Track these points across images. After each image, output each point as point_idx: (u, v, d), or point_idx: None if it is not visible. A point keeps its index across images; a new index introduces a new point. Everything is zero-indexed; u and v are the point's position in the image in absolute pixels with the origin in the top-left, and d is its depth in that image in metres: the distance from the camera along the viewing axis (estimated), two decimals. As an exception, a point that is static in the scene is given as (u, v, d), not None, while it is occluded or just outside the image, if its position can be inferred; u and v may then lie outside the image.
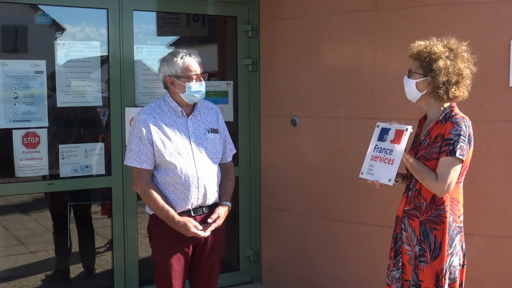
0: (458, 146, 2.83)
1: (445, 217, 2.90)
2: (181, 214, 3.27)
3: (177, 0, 4.62)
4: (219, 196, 3.42)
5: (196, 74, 3.31)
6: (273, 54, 4.82)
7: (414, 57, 3.01)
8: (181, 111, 3.33)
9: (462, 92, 2.96)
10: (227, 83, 4.94)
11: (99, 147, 4.49)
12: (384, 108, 4.15)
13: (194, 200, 3.29)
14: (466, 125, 2.88)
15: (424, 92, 2.97)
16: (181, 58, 3.30)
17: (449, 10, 3.90)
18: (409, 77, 3.04)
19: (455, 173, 2.86)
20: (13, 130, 4.16)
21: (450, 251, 2.92)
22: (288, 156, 4.77)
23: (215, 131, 3.43)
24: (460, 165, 2.88)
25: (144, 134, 3.24)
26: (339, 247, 4.50)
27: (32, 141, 4.21)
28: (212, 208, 3.38)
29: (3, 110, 4.11)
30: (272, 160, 4.90)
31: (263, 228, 5.04)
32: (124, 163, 3.35)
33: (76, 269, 5.04)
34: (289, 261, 4.85)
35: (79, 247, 5.02)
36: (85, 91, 4.42)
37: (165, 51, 4.95)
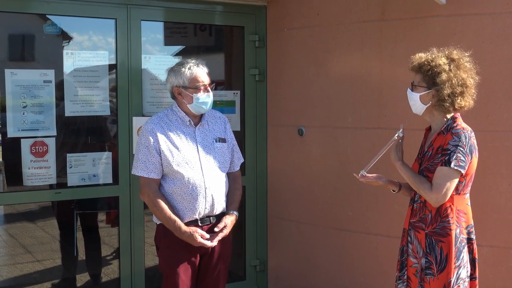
0: (454, 157, 2.82)
1: (451, 229, 2.88)
2: (188, 224, 3.27)
3: (184, 11, 4.65)
4: (226, 205, 3.42)
5: (204, 85, 3.32)
6: (280, 64, 4.83)
7: (416, 70, 3.00)
8: (189, 120, 3.34)
9: (467, 101, 2.95)
10: (234, 93, 4.95)
11: (106, 156, 4.50)
12: (391, 118, 4.15)
13: (202, 210, 3.29)
14: (466, 136, 2.87)
15: (429, 104, 2.96)
16: (189, 68, 3.31)
17: (456, 21, 3.90)
18: (412, 90, 3.02)
19: (449, 184, 2.85)
20: (22, 139, 4.18)
21: (457, 264, 2.89)
22: (295, 166, 4.77)
23: (222, 140, 3.43)
24: (457, 176, 2.86)
25: (152, 143, 3.25)
26: (346, 257, 4.49)
27: (40, 150, 4.22)
28: (220, 217, 3.37)
29: (12, 119, 4.14)
30: (279, 169, 4.90)
31: (269, 237, 5.03)
32: (132, 172, 3.36)
33: (82, 278, 5.04)
34: (296, 270, 4.84)
35: (86, 256, 5.03)
36: (93, 100, 4.44)
37: (173, 60, 4.98)
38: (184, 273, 3.29)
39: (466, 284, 2.95)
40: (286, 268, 4.93)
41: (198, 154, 3.31)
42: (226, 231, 3.33)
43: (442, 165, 2.84)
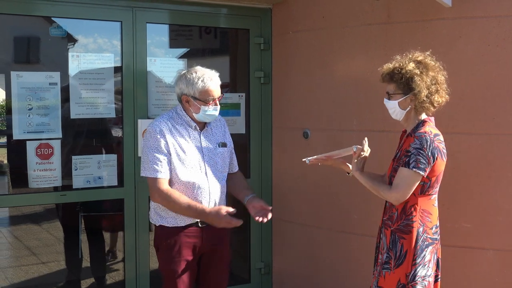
0: (414, 159, 2.95)
1: (413, 227, 3.00)
2: (189, 225, 3.29)
3: (190, 13, 4.66)
4: (244, 193, 3.45)
5: (213, 99, 3.29)
6: (286, 67, 4.83)
7: (388, 80, 3.12)
8: (195, 126, 3.34)
9: (443, 97, 3.11)
10: (239, 95, 4.95)
11: (111, 158, 4.51)
12: (396, 121, 4.13)
13: None
14: (428, 140, 2.97)
15: (408, 108, 3.08)
16: (202, 81, 3.26)
17: (462, 23, 3.90)
18: (389, 99, 3.13)
19: (407, 184, 2.97)
20: (27, 141, 4.19)
21: (418, 261, 3.00)
22: (300, 169, 4.76)
23: (224, 145, 3.45)
24: (416, 178, 2.97)
25: (161, 144, 3.22)
26: (351, 260, 4.48)
27: (46, 152, 4.23)
28: None
29: (17, 121, 4.15)
30: (284, 172, 4.90)
31: (274, 240, 5.03)
32: (141, 175, 3.33)
33: (87, 280, 5.04)
34: (301, 273, 4.83)
35: (90, 258, 5.03)
36: (98, 103, 4.45)
37: (178, 63, 4.99)
38: (185, 274, 3.30)
39: (426, 283, 3.03)
40: (291, 271, 4.92)
41: (204, 159, 3.32)
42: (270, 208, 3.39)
43: (403, 166, 2.98)
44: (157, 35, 4.78)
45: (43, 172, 4.24)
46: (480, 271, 3.91)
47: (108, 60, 4.52)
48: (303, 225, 4.76)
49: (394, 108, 3.11)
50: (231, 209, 3.21)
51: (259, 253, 5.02)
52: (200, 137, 3.35)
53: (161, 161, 3.23)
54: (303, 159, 3.28)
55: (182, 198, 3.21)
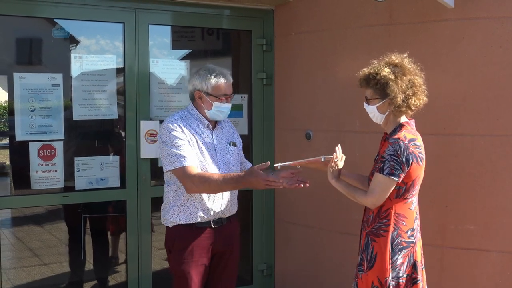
0: (388, 165, 2.97)
1: (386, 231, 3.03)
2: (200, 224, 3.30)
3: (192, 15, 4.66)
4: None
5: (226, 96, 3.34)
6: (288, 68, 4.83)
7: (365, 85, 3.15)
8: (208, 124, 3.37)
9: (421, 99, 3.10)
10: (241, 97, 4.95)
11: (114, 159, 4.51)
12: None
13: (216, 212, 3.33)
14: (401, 146, 2.97)
15: (388, 112, 3.10)
16: (215, 76, 3.31)
17: (464, 24, 3.89)
18: (368, 104, 3.15)
19: (382, 190, 3.00)
20: (30, 143, 4.19)
21: (392, 266, 3.02)
22: (302, 170, 4.75)
23: (234, 144, 3.49)
24: (390, 183, 2.99)
25: (180, 134, 3.22)
26: (354, 262, 4.47)
27: (48, 153, 4.23)
28: (229, 219, 3.42)
29: (20, 123, 4.15)
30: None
31: (277, 242, 5.02)
32: (166, 170, 3.25)
33: (89, 281, 5.04)
34: (303, 275, 4.82)
35: (93, 259, 5.03)
36: (101, 104, 4.45)
37: (180, 64, 4.99)
38: (197, 275, 3.30)
39: (394, 283, 3.03)
40: (293, 272, 4.91)
41: (217, 157, 3.35)
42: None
43: (378, 172, 3.01)
44: (159, 36, 4.78)
45: (46, 174, 4.24)
46: (484, 273, 3.90)
47: (111, 61, 4.52)
48: (305, 226, 4.76)
49: (374, 112, 3.14)
50: (263, 165, 3.12)
51: (262, 254, 5.02)
52: (212, 136, 3.38)
53: (185, 148, 3.20)
54: (275, 165, 3.28)
55: (214, 175, 3.19)
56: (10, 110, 4.33)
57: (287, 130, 4.89)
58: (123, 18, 4.37)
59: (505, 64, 3.79)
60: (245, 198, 4.98)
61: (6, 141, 4.51)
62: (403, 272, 3.05)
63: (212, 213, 3.31)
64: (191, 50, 5.22)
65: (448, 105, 3.97)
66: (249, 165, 3.63)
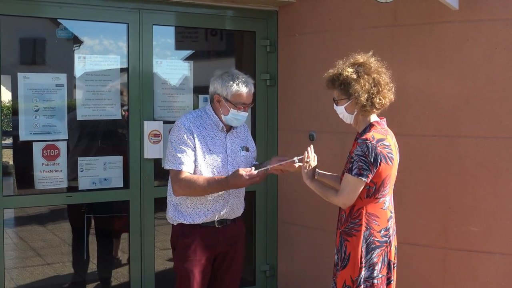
0: (356, 166, 3.00)
1: (358, 230, 3.05)
2: (206, 225, 3.33)
3: (196, 15, 4.66)
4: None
5: (244, 105, 3.36)
6: (291, 69, 4.83)
7: (331, 86, 3.18)
8: (223, 127, 3.39)
9: (386, 97, 3.12)
10: (245, 98, 4.95)
11: (117, 160, 4.51)
12: (403, 124, 4.13)
13: (221, 214, 3.36)
14: (369, 146, 2.99)
15: (356, 112, 3.13)
16: (237, 85, 3.33)
17: (469, 26, 3.89)
18: (337, 105, 3.19)
19: (351, 190, 3.03)
20: (33, 143, 4.19)
21: (362, 264, 3.04)
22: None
23: (246, 149, 3.51)
24: (359, 183, 3.01)
25: (188, 138, 3.27)
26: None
27: (52, 153, 4.24)
28: (235, 221, 3.44)
29: (24, 123, 4.16)
30: (289, 174, 4.88)
31: (279, 243, 5.02)
32: (165, 167, 3.36)
33: (92, 281, 5.05)
34: (306, 276, 4.82)
35: (96, 259, 5.04)
36: (105, 105, 4.45)
37: (184, 65, 4.99)
38: (200, 274, 3.33)
39: (368, 284, 3.06)
40: (296, 273, 4.91)
41: (227, 160, 3.36)
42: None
43: (347, 172, 3.05)
44: (163, 37, 4.79)
45: (49, 174, 4.25)
46: (487, 275, 3.90)
47: (114, 61, 4.52)
48: (308, 227, 4.76)
49: (343, 113, 3.17)
50: (247, 169, 3.23)
51: (264, 255, 5.02)
52: (225, 139, 3.39)
53: (186, 155, 3.26)
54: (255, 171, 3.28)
55: (200, 178, 3.25)
56: (14, 110, 4.34)
57: (290, 131, 4.89)
58: (127, 18, 4.37)
59: (509, 66, 3.78)
60: (248, 200, 4.97)
61: (9, 141, 4.51)
62: (377, 272, 3.07)
63: (216, 214, 3.33)
64: (194, 51, 5.23)
65: (451, 107, 3.97)
66: None
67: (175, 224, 3.39)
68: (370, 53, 3.19)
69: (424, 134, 4.01)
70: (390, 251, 3.13)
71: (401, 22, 4.14)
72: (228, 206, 3.36)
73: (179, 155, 3.26)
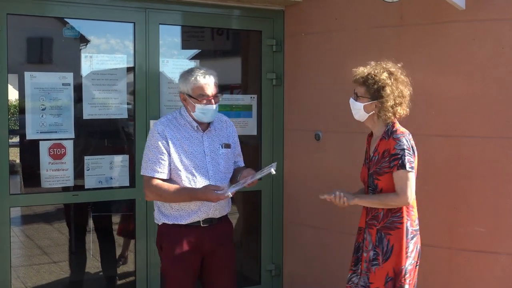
0: (406, 160, 3.09)
1: (401, 223, 3.15)
2: (191, 225, 3.30)
3: (202, 15, 4.66)
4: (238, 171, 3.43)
5: (207, 97, 3.28)
6: (298, 69, 4.83)
7: (360, 83, 3.25)
8: (197, 126, 3.34)
9: (404, 110, 3.26)
10: (251, 97, 4.95)
11: (123, 159, 4.52)
12: (408, 124, 4.10)
13: (206, 213, 3.33)
14: (407, 139, 3.15)
15: (372, 113, 3.23)
16: (194, 78, 3.27)
17: (475, 26, 3.88)
18: (356, 100, 3.26)
19: (411, 184, 3.13)
20: (40, 141, 4.21)
21: (408, 254, 3.15)
22: (311, 171, 4.76)
23: (227, 146, 3.44)
24: (413, 176, 3.15)
25: (162, 145, 3.25)
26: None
27: (58, 152, 4.25)
28: (221, 220, 3.41)
29: (30, 121, 4.17)
30: (295, 174, 4.90)
31: (285, 242, 5.02)
32: (141, 173, 3.35)
33: (98, 280, 5.06)
34: (311, 275, 4.82)
35: (101, 258, 5.05)
36: (111, 104, 4.46)
37: (190, 64, 5.00)
38: (186, 274, 3.31)
39: (408, 269, 3.14)
40: (301, 273, 4.91)
41: (206, 160, 3.33)
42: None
43: (399, 168, 3.11)
44: (169, 36, 4.80)
45: (56, 172, 4.26)
46: (493, 276, 3.89)
47: (121, 61, 4.53)
48: (314, 227, 4.76)
49: (359, 109, 3.25)
50: (221, 187, 3.20)
51: (270, 255, 5.02)
52: (202, 138, 3.35)
53: (160, 162, 3.25)
54: (228, 193, 3.20)
55: (172, 186, 3.24)
56: (20, 108, 4.36)
57: (296, 131, 4.88)
58: (133, 18, 4.38)
59: (516, 66, 3.78)
60: (254, 200, 4.99)
61: (16, 139, 4.53)
62: (413, 258, 3.18)
63: (201, 213, 3.31)
64: (201, 50, 5.23)
65: (458, 107, 3.96)
66: (241, 163, 3.58)
67: (160, 224, 3.38)
68: (400, 65, 3.29)
69: (430, 134, 4.00)
70: (419, 237, 3.25)
71: (408, 22, 4.14)
72: (213, 206, 3.31)
73: (151, 161, 3.25)
